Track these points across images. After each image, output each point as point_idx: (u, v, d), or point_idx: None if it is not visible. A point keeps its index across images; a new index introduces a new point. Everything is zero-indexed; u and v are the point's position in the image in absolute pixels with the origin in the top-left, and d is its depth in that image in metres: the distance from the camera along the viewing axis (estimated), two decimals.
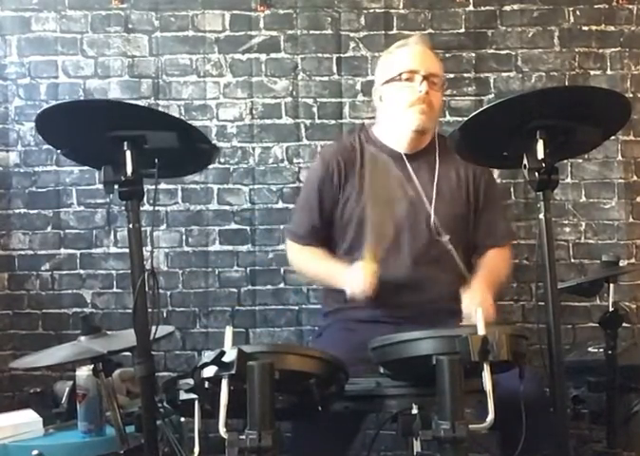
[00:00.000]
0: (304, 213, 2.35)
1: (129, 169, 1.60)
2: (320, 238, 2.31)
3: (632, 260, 2.96)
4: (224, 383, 1.41)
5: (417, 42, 2.28)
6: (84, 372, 2.04)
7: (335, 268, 2.19)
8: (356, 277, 2.04)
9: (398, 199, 2.22)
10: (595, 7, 2.97)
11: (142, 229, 1.65)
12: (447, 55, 2.93)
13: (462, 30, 2.99)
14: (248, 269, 2.99)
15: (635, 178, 2.98)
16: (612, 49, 2.97)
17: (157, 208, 2.88)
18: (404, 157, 2.25)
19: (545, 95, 1.69)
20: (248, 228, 2.99)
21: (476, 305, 1.92)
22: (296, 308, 2.98)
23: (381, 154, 2.26)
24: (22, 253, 2.99)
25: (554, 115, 1.58)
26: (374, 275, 2.03)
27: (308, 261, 2.34)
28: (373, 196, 2.22)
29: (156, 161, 1.63)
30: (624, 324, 2.16)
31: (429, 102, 2.20)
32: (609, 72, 2.97)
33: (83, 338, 1.94)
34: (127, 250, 1.66)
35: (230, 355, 1.41)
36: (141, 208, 1.65)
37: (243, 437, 1.36)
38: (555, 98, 1.65)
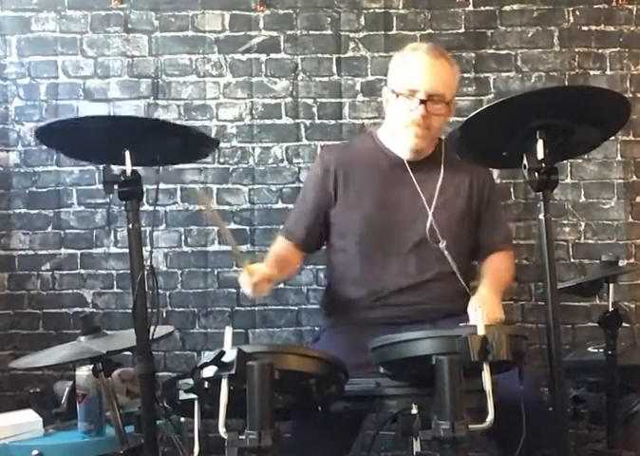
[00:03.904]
0: (298, 212, 2.34)
1: (128, 169, 1.60)
2: (301, 239, 2.28)
3: (632, 260, 2.96)
4: (224, 383, 1.41)
5: (429, 52, 2.14)
6: (84, 372, 2.04)
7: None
8: (243, 281, 2.01)
9: (396, 204, 2.22)
10: (595, 7, 2.97)
11: (142, 229, 1.65)
12: None
13: (462, 30, 2.99)
14: None
15: (635, 178, 2.98)
16: (612, 49, 2.97)
17: (156, 208, 2.88)
18: (405, 163, 2.23)
19: (545, 95, 1.69)
20: (247, 228, 2.99)
21: (483, 310, 1.92)
22: (296, 308, 2.98)
23: (385, 160, 2.25)
24: (22, 253, 2.99)
25: (554, 115, 1.58)
26: (255, 276, 1.96)
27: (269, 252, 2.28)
28: (372, 200, 2.22)
29: (157, 157, 1.64)
30: (624, 324, 2.15)
31: (427, 124, 2.12)
32: (608, 72, 2.97)
33: (83, 338, 1.94)
34: (127, 250, 1.66)
35: (230, 355, 1.41)
36: (141, 208, 1.66)
37: (243, 437, 1.36)
38: (555, 98, 1.65)
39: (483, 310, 1.51)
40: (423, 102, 2.09)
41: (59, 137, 1.66)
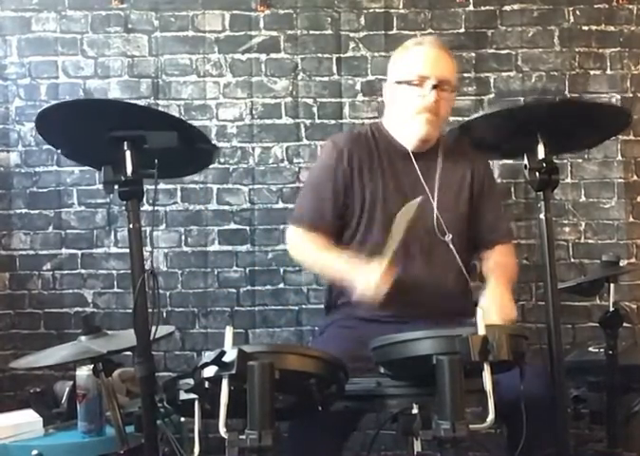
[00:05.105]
0: (314, 200, 2.24)
1: (129, 169, 1.60)
2: (328, 228, 2.21)
3: (632, 260, 2.96)
4: (224, 383, 1.41)
5: (433, 43, 2.21)
6: (84, 372, 2.04)
7: (344, 262, 2.07)
8: (371, 276, 1.93)
9: (409, 197, 2.21)
10: (595, 7, 2.98)
11: (142, 229, 1.65)
12: None
13: (462, 30, 2.99)
14: (247, 269, 2.99)
15: (635, 177, 2.98)
16: (612, 49, 2.97)
17: (156, 208, 2.88)
18: (411, 155, 2.24)
19: (545, 108, 1.69)
20: (247, 228, 2.99)
21: (496, 308, 1.90)
22: (296, 308, 2.98)
23: (391, 150, 2.25)
24: (23, 253, 2.99)
25: (553, 124, 1.58)
26: (390, 276, 1.93)
27: (311, 249, 2.20)
28: (387, 192, 2.22)
29: (155, 161, 1.63)
30: (624, 324, 2.16)
31: (437, 110, 2.15)
32: (609, 72, 2.97)
33: (83, 338, 1.94)
34: (127, 250, 1.66)
35: (230, 355, 1.41)
36: (141, 208, 1.66)
37: (243, 437, 1.36)
38: (554, 110, 1.64)
39: (484, 310, 1.51)
40: (434, 87, 2.13)
41: (59, 122, 1.65)
